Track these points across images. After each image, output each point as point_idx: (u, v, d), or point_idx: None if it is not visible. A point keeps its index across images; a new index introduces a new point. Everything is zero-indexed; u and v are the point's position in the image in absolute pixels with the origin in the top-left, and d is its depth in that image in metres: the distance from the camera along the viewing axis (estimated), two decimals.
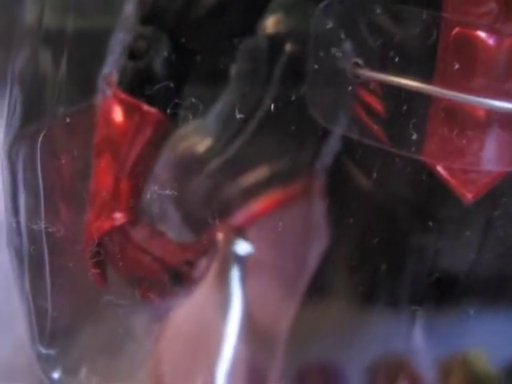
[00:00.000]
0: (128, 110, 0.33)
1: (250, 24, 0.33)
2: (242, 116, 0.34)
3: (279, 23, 0.33)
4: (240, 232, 0.34)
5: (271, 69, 0.33)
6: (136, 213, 0.34)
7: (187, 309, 0.35)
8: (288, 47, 0.33)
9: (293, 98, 0.33)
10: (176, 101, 0.33)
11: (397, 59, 0.29)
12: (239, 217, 0.35)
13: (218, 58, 0.34)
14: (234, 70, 0.34)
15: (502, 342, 0.35)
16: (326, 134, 0.32)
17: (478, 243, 0.32)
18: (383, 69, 0.30)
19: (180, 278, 0.34)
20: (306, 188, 0.34)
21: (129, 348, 0.35)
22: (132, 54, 0.33)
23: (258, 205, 0.34)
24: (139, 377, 0.34)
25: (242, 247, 0.34)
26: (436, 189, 0.31)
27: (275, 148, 0.34)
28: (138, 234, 0.34)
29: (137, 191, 0.34)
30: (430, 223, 0.32)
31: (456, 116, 0.29)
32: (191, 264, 0.34)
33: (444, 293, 0.34)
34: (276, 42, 0.33)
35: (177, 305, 0.35)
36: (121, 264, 0.34)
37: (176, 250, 0.34)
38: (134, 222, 0.34)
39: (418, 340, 0.35)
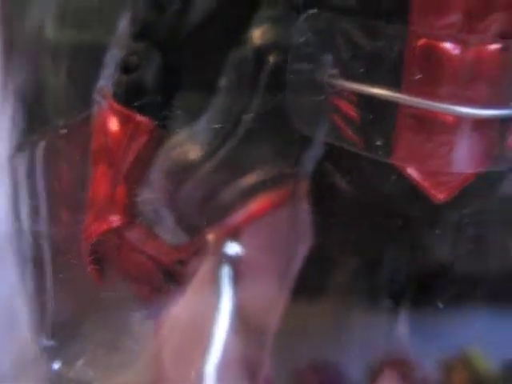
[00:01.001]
0: (122, 120, 0.35)
1: (238, 36, 0.34)
2: (229, 124, 0.35)
3: (265, 35, 0.34)
4: (234, 234, 0.36)
5: (257, 79, 0.35)
6: (131, 216, 0.36)
7: (181, 305, 0.36)
8: (271, 58, 0.34)
9: (275, 107, 0.34)
10: (166, 112, 0.35)
11: (368, 70, 0.31)
12: (234, 219, 0.36)
13: (206, 70, 0.35)
14: (222, 80, 0.35)
15: (498, 342, 0.36)
16: (307, 140, 0.34)
17: (452, 241, 0.34)
18: (356, 79, 0.31)
19: (173, 277, 0.36)
20: (293, 191, 0.36)
21: (125, 342, 0.36)
22: (125, 68, 0.35)
23: (251, 208, 0.36)
24: (134, 369, 0.36)
25: (232, 248, 0.36)
26: (408, 189, 0.32)
27: (262, 154, 0.35)
28: (133, 236, 0.36)
29: (132, 196, 0.35)
30: (404, 222, 0.33)
31: (424, 122, 0.30)
32: (184, 263, 0.36)
33: (424, 290, 0.35)
34: (261, 52, 0.34)
35: (171, 302, 0.36)
36: (117, 263, 0.36)
37: (169, 250, 0.36)
38: (130, 224, 0.36)
39: (403, 339, 0.36)
